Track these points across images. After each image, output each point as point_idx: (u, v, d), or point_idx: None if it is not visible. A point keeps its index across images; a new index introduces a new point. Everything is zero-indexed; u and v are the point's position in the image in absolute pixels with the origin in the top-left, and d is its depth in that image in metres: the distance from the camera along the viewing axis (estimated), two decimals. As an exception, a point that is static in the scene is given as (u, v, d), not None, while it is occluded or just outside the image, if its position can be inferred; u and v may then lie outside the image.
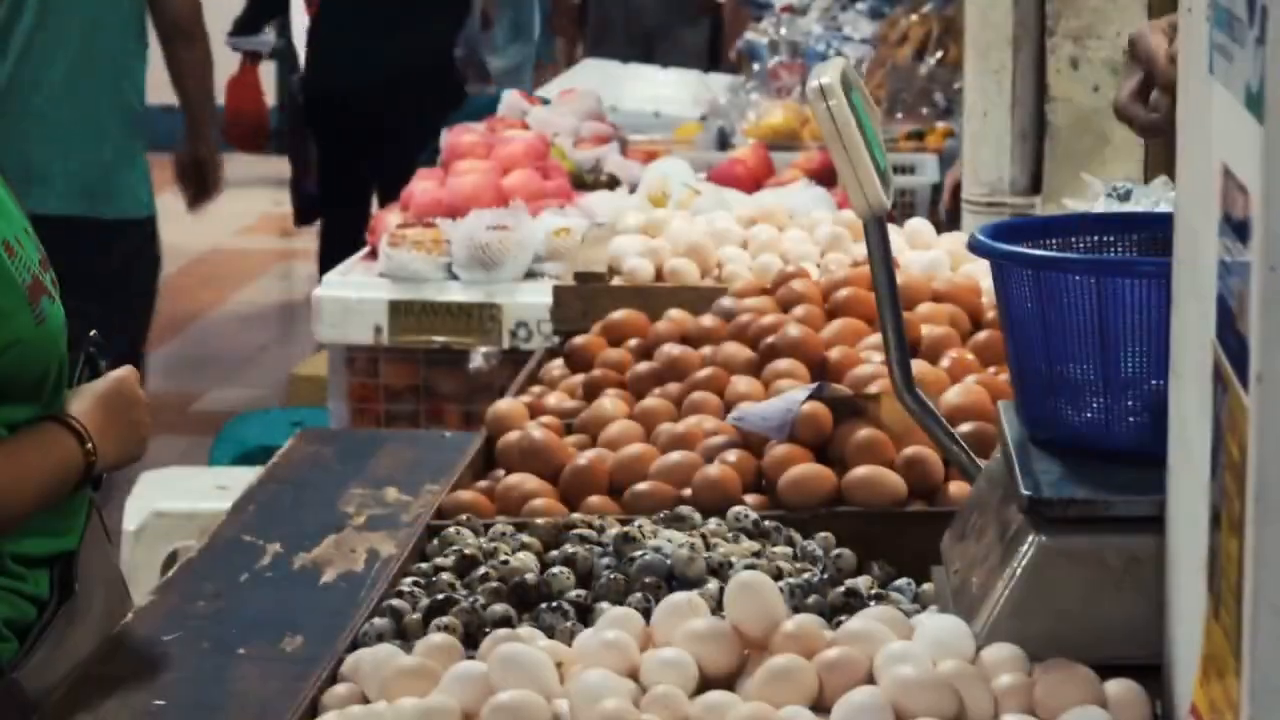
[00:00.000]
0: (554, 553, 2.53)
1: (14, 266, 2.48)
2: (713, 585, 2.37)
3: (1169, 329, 1.94)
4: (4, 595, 2.51)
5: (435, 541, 2.69)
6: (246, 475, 4.22)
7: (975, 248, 2.23)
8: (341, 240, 5.92)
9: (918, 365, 3.01)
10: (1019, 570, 2.03)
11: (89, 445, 2.54)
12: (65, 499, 2.56)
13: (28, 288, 2.50)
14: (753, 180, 5.35)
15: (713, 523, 2.61)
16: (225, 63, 8.04)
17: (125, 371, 2.68)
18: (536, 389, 3.35)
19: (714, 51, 10.31)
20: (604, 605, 2.36)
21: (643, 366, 3.22)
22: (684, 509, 2.66)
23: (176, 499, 5.07)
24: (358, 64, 7.85)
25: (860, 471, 2.75)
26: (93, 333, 2.71)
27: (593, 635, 2.13)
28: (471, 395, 4.88)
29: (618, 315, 3.45)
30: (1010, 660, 2.00)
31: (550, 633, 2.29)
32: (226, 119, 9.54)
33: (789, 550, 2.57)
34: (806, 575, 2.43)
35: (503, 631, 2.21)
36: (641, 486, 2.80)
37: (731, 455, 2.82)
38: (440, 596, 2.40)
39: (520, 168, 5.26)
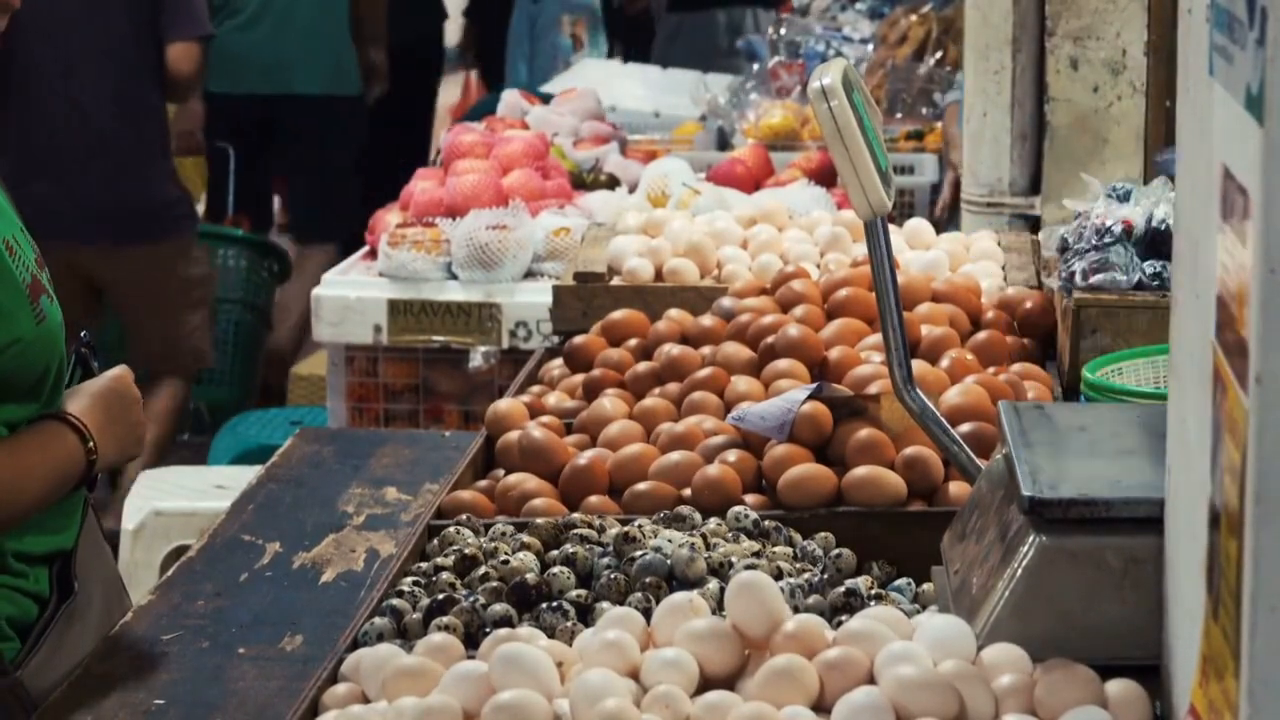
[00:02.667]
0: (554, 553, 2.53)
1: (14, 265, 2.49)
2: (713, 585, 2.37)
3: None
4: (6, 593, 2.52)
5: (435, 541, 2.69)
6: (246, 474, 4.22)
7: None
8: None
9: (918, 365, 3.02)
10: (1019, 570, 2.04)
11: (90, 443, 2.55)
12: (65, 497, 2.57)
13: (28, 286, 2.50)
14: (752, 180, 5.35)
15: (713, 523, 2.61)
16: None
17: (121, 371, 2.68)
18: (536, 389, 3.35)
19: None
20: (604, 605, 2.36)
21: (643, 366, 3.22)
22: (684, 509, 2.66)
23: (176, 498, 5.07)
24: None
25: (860, 471, 2.75)
26: (83, 333, 2.72)
27: (593, 635, 2.14)
28: (471, 395, 4.88)
29: (618, 315, 3.45)
30: (1011, 660, 2.00)
31: (550, 633, 2.29)
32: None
33: (789, 550, 2.58)
34: (806, 575, 2.43)
35: (503, 631, 2.21)
36: (641, 486, 2.80)
37: (731, 455, 2.83)
38: (440, 596, 2.40)
39: (520, 167, 5.25)
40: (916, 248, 3.82)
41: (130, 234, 6.18)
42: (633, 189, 5.34)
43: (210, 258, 6.81)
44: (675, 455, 2.86)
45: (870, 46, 7.35)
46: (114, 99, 6.13)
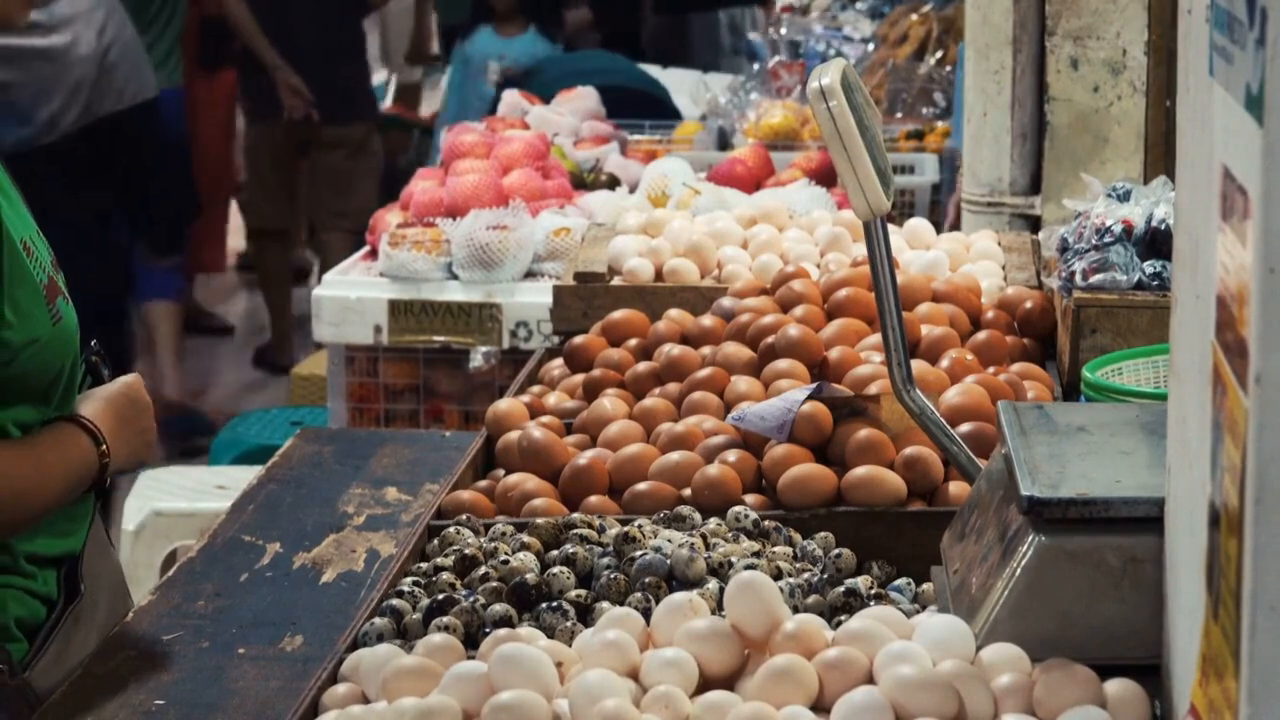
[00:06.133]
0: (554, 553, 2.53)
1: (32, 266, 2.49)
2: (713, 585, 2.37)
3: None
4: (17, 595, 2.53)
5: (435, 541, 2.69)
6: (246, 475, 4.22)
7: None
8: None
9: (918, 365, 3.02)
10: (1019, 570, 2.04)
11: (103, 446, 2.56)
12: (77, 500, 2.58)
13: (45, 287, 2.51)
14: (753, 180, 5.35)
15: (713, 523, 2.61)
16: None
17: (133, 378, 2.70)
18: (536, 389, 3.35)
19: None
20: (604, 605, 2.37)
21: (643, 366, 3.22)
22: (684, 509, 2.67)
23: (176, 498, 5.07)
24: None
25: (860, 471, 2.75)
26: (93, 342, 2.72)
27: (593, 635, 2.14)
28: (471, 395, 4.88)
29: (618, 315, 3.45)
30: (1010, 660, 2.00)
31: (550, 633, 2.29)
32: None
33: (789, 550, 2.58)
34: (806, 575, 2.43)
35: (503, 631, 2.21)
36: (641, 486, 2.80)
37: (731, 455, 2.83)
38: (440, 596, 2.40)
39: (520, 167, 5.26)
40: (916, 248, 3.82)
41: (331, 113, 8.45)
42: (633, 189, 5.34)
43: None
44: (675, 455, 2.86)
45: (870, 46, 7.36)
46: (325, 18, 8.39)
